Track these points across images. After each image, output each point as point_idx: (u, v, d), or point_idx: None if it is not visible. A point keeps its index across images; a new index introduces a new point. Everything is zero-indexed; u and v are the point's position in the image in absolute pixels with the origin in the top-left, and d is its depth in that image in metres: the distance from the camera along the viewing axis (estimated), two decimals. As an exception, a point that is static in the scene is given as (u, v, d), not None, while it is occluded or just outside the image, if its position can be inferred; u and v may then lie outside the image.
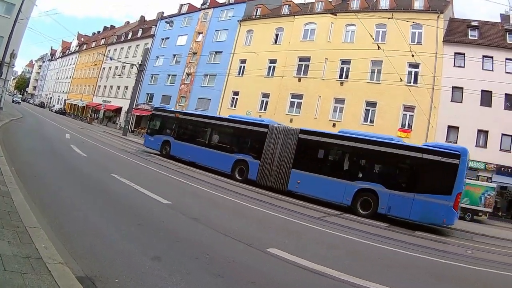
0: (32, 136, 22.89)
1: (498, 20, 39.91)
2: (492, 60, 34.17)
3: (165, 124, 28.36)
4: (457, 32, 36.88)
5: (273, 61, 44.14)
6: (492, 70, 33.86)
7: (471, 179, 27.89)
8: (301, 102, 40.18)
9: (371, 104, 37.12)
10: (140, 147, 29.25)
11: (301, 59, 41.06)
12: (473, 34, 36.56)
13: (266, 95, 43.77)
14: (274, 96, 42.57)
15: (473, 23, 37.62)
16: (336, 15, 41.08)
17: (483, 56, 34.56)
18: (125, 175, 13.85)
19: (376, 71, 37.33)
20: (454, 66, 34.82)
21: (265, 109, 43.10)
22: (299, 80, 40.74)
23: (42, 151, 16.81)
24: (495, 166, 32.22)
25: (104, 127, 60.75)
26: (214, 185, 17.97)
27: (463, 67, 34.54)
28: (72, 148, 19.45)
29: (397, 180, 17.85)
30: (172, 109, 32.03)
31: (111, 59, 54.59)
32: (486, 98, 33.36)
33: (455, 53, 34.99)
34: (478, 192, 28.80)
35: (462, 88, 33.80)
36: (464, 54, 34.66)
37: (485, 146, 33.00)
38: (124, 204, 9.97)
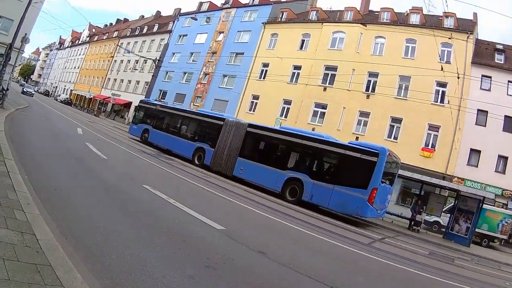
0: (42, 131, 20.70)
1: None
2: None
3: (147, 115, 31.29)
4: (484, 55, 35.81)
5: (297, 67, 42.23)
6: None
7: (490, 204, 27.46)
8: (324, 112, 38.57)
9: (396, 120, 35.62)
10: (155, 148, 28.04)
11: (327, 68, 39.46)
12: (499, 58, 35.46)
13: (288, 102, 41.90)
14: (296, 103, 40.74)
15: (498, 46, 36.69)
16: (366, 25, 39.62)
17: (508, 81, 33.41)
18: (157, 185, 12.27)
19: (403, 87, 35.76)
20: (481, 89, 33.80)
21: (286, 116, 41.23)
22: (324, 89, 38.89)
23: (57, 152, 14.75)
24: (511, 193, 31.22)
25: (112, 121, 58.72)
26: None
27: (489, 90, 33.56)
28: (89, 148, 17.60)
29: (321, 172, 19.74)
30: (154, 102, 33.54)
31: (129, 52, 51.86)
32: (509, 123, 32.39)
33: (482, 76, 34.04)
34: (496, 218, 27.86)
35: (486, 112, 32.78)
36: (490, 77, 33.68)
37: (504, 172, 32.06)
38: (178, 233, 8.00)
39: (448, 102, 31.78)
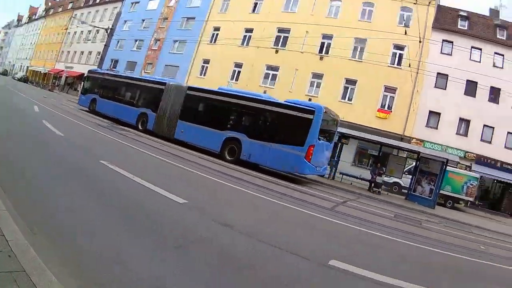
0: (-2, 111, 18.97)
1: (486, 13, 39.00)
2: (481, 52, 33.67)
3: (94, 84, 30.60)
4: (446, 20, 35.58)
5: (249, 31, 40.67)
6: (480, 62, 33.35)
7: (453, 167, 26.89)
8: (276, 75, 37.62)
9: (351, 82, 35.05)
10: (103, 117, 27.14)
11: (280, 30, 38.46)
12: (462, 24, 35.62)
13: (239, 65, 40.35)
14: (247, 66, 39.38)
15: (462, 13, 36.46)
16: None
17: (472, 47, 33.91)
18: (114, 160, 11.17)
19: (359, 49, 35.23)
20: (441, 53, 33.87)
21: (237, 79, 39.62)
22: (276, 51, 37.78)
23: (13, 133, 13.19)
24: (474, 155, 32.13)
25: (66, 94, 55.98)
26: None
27: (450, 55, 33.86)
28: (45, 125, 16.26)
29: (258, 130, 19.41)
30: (100, 71, 32.86)
31: (82, 22, 48.94)
32: (470, 88, 32.93)
33: (443, 40, 34.12)
34: (461, 180, 27.85)
35: (447, 75, 33.06)
36: (452, 42, 34.01)
37: (466, 135, 32.91)
38: (144, 212, 7.31)
39: (410, 65, 31.04)
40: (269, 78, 37.79)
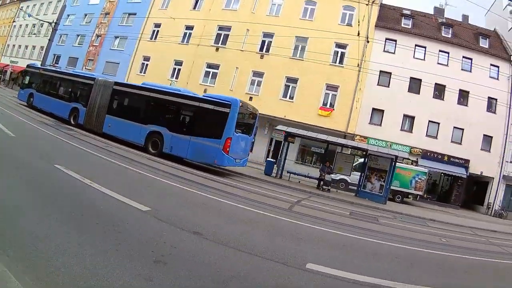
0: None
1: (430, 12, 40.09)
2: (425, 50, 34.35)
3: (32, 79, 30.05)
4: (390, 19, 35.75)
5: (189, 28, 39.43)
6: (424, 59, 34.12)
7: (400, 162, 27.41)
8: (217, 73, 36.70)
9: (292, 80, 34.82)
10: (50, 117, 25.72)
11: (220, 28, 37.75)
12: (406, 23, 36.07)
13: (179, 63, 39.11)
14: (188, 64, 38.15)
15: (405, 12, 37.11)
16: None
17: (416, 45, 34.50)
18: (69, 164, 10.59)
19: (300, 47, 35.00)
20: (384, 51, 33.97)
21: (177, 77, 38.38)
22: (217, 49, 36.85)
23: None
24: (420, 150, 32.95)
25: (11, 90, 52.70)
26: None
27: (394, 53, 34.19)
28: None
29: (179, 124, 19.81)
30: (38, 66, 32.13)
31: (29, 15, 46.00)
32: (415, 85, 33.65)
33: (386, 39, 34.31)
34: (409, 175, 28.62)
35: (390, 73, 33.48)
36: (396, 40, 34.29)
37: (410, 131, 33.70)
38: (110, 222, 6.67)
39: (358, 65, 31.10)
40: (210, 76, 36.82)
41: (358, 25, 24.37)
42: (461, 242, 13.93)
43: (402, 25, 35.18)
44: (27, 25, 61.17)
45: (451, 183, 36.16)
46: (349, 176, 26.05)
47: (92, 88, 23.24)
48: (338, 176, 26.69)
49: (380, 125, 33.34)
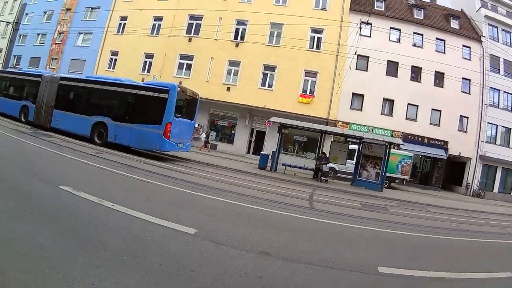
0: None
1: None
2: (400, 32, 33.41)
3: None
4: (362, 2, 34.36)
5: (158, 19, 36.74)
6: (399, 42, 33.25)
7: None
8: (191, 64, 34.15)
9: (270, 68, 33.07)
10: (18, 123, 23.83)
11: (192, 17, 34.97)
12: (379, 5, 34.76)
13: (150, 56, 36.45)
14: (159, 56, 35.44)
15: None
16: None
17: (390, 28, 33.41)
18: (75, 184, 8.53)
19: (275, 34, 33.29)
20: (360, 35, 31.21)
21: (148, 71, 35.89)
22: (190, 40, 34.33)
23: None
24: (401, 134, 31.80)
25: None
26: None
27: (370, 36, 32.74)
28: None
29: (121, 113, 19.39)
30: None
31: None
32: (392, 68, 32.64)
33: (361, 22, 31.42)
34: (395, 160, 27.30)
35: (367, 57, 32.24)
36: (371, 24, 32.37)
37: (391, 114, 32.80)
38: (161, 257, 5.03)
39: (337, 51, 30.95)
40: (184, 68, 34.34)
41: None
42: (468, 226, 14.20)
43: (376, 8, 33.70)
44: (-18, 26, 56.33)
45: (431, 165, 35.49)
46: (345, 165, 25.07)
47: (39, 85, 22.95)
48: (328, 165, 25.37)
49: (361, 110, 32.28)
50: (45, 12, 46.11)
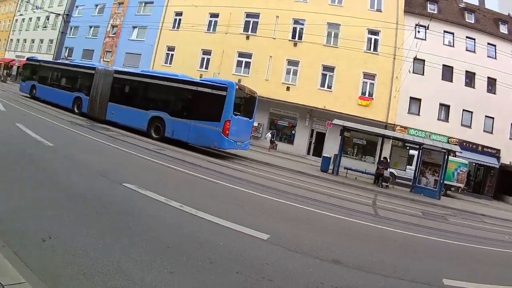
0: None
1: None
2: (453, 36, 32.47)
3: (33, 71, 30.05)
4: (415, 4, 33.52)
5: (214, 15, 36.57)
6: (453, 46, 32.28)
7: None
8: (250, 62, 33.89)
9: (329, 69, 32.42)
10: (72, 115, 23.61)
11: (248, 15, 34.75)
12: (432, 8, 33.80)
13: (207, 52, 36.14)
14: (217, 53, 35.17)
15: None
16: None
17: (444, 31, 32.41)
18: (138, 181, 8.58)
19: (333, 34, 32.68)
20: (416, 38, 31.02)
21: (206, 67, 35.80)
22: (247, 37, 34.05)
23: None
24: (457, 140, 30.79)
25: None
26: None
27: (425, 39, 31.50)
28: (24, 131, 12.70)
29: (178, 109, 19.64)
30: (38, 59, 31.67)
31: (38, 8, 42.59)
32: (447, 73, 31.63)
33: (416, 25, 31.22)
34: (451, 167, 26.20)
35: (423, 60, 31.00)
36: (425, 27, 30.63)
37: (447, 120, 31.87)
38: (236, 263, 5.00)
39: (396, 55, 30.38)
40: (243, 66, 34.12)
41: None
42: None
43: (429, 10, 33.16)
44: (30, 18, 57.61)
45: (483, 173, 34.09)
46: (405, 170, 24.41)
47: (93, 77, 23.23)
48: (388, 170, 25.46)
49: (418, 114, 31.45)
50: (96, 5, 46.70)
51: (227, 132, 17.53)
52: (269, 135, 31.11)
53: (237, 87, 18.00)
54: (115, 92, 21.96)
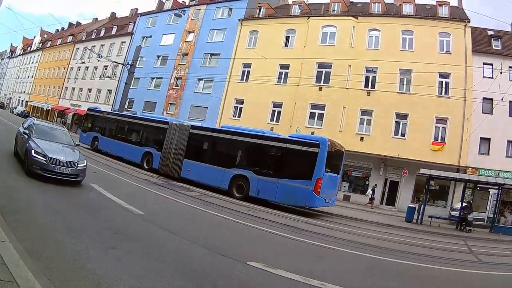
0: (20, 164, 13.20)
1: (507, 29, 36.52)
2: None
3: (95, 122, 30.02)
4: (481, 42, 33.30)
5: (284, 67, 36.32)
6: None
7: None
8: (323, 114, 33.30)
9: (402, 116, 31.91)
10: (142, 171, 23.19)
11: (320, 66, 34.03)
12: (496, 44, 33.43)
13: (278, 105, 35.99)
14: (288, 106, 34.93)
15: (491, 33, 34.70)
16: (357, 18, 34.61)
17: (509, 67, 31.25)
18: (265, 259, 7.61)
19: (405, 81, 32.15)
20: (484, 77, 31.01)
21: (277, 120, 35.60)
22: (320, 89, 33.57)
23: (70, 209, 9.30)
24: None
25: (74, 134, 50.27)
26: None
27: (492, 77, 30.88)
28: (104, 195, 11.76)
29: (265, 167, 18.98)
30: (101, 110, 32.09)
31: (100, 56, 42.76)
32: None
33: (484, 63, 31.53)
34: None
35: (491, 99, 30.39)
36: (491, 64, 31.30)
37: None
38: None
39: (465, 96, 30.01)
40: (316, 118, 33.48)
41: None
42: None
43: (493, 47, 32.92)
44: (87, 67, 58.45)
45: None
46: (486, 212, 24.32)
47: (166, 132, 22.85)
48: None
49: (488, 154, 30.84)
50: (158, 56, 46.97)
51: (318, 190, 17.03)
52: (370, 191, 30.46)
53: (329, 143, 17.58)
54: (192, 148, 21.55)
